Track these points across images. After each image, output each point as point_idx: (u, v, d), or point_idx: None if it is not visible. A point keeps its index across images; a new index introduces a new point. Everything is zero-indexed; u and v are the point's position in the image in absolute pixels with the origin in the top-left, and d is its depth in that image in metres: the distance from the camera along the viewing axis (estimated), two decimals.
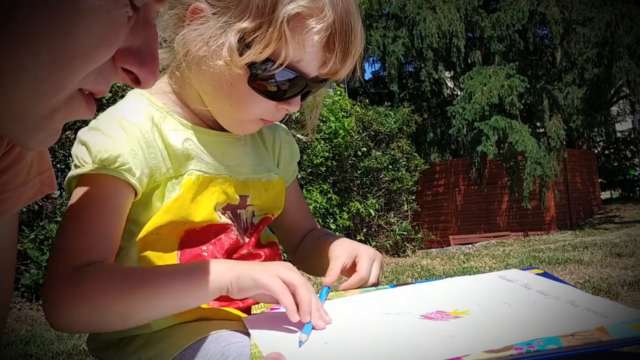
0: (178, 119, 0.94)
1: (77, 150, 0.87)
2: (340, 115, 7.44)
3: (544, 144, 11.88)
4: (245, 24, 0.82)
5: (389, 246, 8.07)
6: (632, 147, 19.22)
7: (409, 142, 8.95)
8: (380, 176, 8.21)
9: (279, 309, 0.86)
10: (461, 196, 13.60)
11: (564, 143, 12.19)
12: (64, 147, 4.88)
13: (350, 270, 0.98)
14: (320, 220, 6.88)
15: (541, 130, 12.97)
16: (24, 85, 0.48)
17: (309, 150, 7.08)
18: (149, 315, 0.82)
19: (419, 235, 8.63)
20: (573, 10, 12.03)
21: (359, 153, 7.87)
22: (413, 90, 13.95)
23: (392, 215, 8.30)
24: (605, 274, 4.64)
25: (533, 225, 12.42)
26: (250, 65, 0.85)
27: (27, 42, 0.46)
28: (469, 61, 13.03)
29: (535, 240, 9.33)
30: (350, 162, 7.81)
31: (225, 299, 0.88)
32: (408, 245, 8.38)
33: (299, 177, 1.19)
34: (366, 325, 0.77)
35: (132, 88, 0.85)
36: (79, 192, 0.85)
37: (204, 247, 0.92)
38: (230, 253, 0.95)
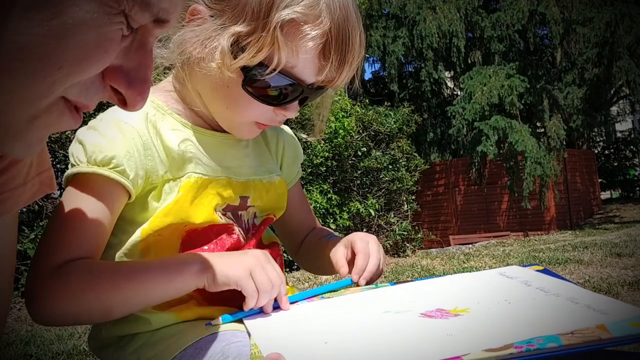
0: (178, 118, 0.94)
1: (73, 149, 0.87)
2: (340, 115, 7.45)
3: (544, 144, 11.87)
4: (240, 28, 0.82)
5: (389, 246, 8.07)
6: (632, 147, 19.23)
7: (409, 142, 8.95)
8: (380, 176, 8.21)
9: (277, 311, 0.87)
10: (461, 196, 13.59)
11: (564, 143, 12.19)
12: (64, 147, 4.88)
13: (351, 260, 1.00)
14: (320, 220, 6.86)
15: (541, 130, 12.97)
16: (11, 92, 0.48)
17: (309, 150, 7.09)
18: (127, 309, 0.85)
19: (419, 235, 8.63)
20: (573, 10, 12.03)
21: (359, 153, 7.88)
22: (413, 90, 13.95)
23: (392, 215, 8.30)
24: (605, 274, 4.64)
25: (533, 225, 12.42)
26: (244, 69, 0.85)
27: (19, 51, 0.45)
28: (469, 61, 13.03)
29: (535, 240, 9.33)
30: (350, 162, 7.81)
31: (225, 299, 0.89)
32: (408, 245, 8.38)
33: None
34: (366, 323, 0.77)
35: None
36: (71, 190, 0.86)
37: (206, 247, 0.93)
38: None
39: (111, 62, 0.51)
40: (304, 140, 1.13)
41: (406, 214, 8.68)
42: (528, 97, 12.09)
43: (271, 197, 1.02)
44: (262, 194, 1.01)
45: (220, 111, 0.93)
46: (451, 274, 1.02)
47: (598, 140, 17.76)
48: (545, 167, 10.95)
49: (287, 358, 0.66)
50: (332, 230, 1.17)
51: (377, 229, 8.11)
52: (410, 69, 14.73)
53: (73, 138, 0.90)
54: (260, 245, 1.01)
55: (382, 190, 8.26)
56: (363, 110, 8.22)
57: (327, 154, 7.21)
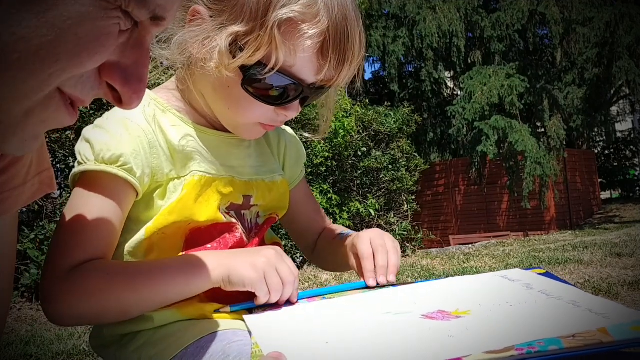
0: (177, 115, 0.95)
1: (80, 147, 0.88)
2: (340, 115, 7.45)
3: (544, 144, 11.88)
4: (239, 27, 0.82)
5: None
6: (632, 147, 19.24)
7: (409, 142, 8.95)
8: (380, 176, 8.21)
9: (280, 308, 0.87)
10: (461, 196, 13.60)
11: (564, 143, 12.19)
12: (64, 147, 4.87)
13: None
14: None
15: (541, 130, 12.98)
16: (7, 84, 0.48)
17: (309, 151, 7.09)
18: (144, 309, 0.85)
19: (419, 235, 8.63)
20: (573, 10, 12.03)
21: (359, 153, 7.88)
22: (413, 90, 13.96)
23: (392, 215, 8.30)
24: (605, 274, 4.64)
25: (533, 225, 12.43)
26: (243, 69, 0.85)
27: (15, 43, 0.45)
28: (469, 61, 13.04)
29: (535, 240, 9.33)
30: (350, 162, 7.81)
31: (228, 296, 0.89)
32: (408, 245, 8.38)
33: None
34: (367, 324, 0.77)
35: None
36: (79, 188, 0.86)
37: (209, 246, 0.93)
38: None
39: (108, 58, 0.52)
40: (306, 139, 1.13)
41: (406, 214, 8.68)
42: (528, 97, 12.10)
43: (274, 196, 1.03)
44: (265, 193, 1.01)
45: (222, 112, 0.93)
46: (451, 274, 1.02)
47: (598, 140, 17.78)
48: (545, 167, 10.96)
49: (287, 357, 0.66)
50: (342, 227, 1.18)
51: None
52: (410, 69, 14.75)
53: (73, 138, 0.90)
54: (262, 245, 1.01)
55: (382, 190, 8.27)
56: (363, 110, 8.22)
57: (327, 154, 7.21)
